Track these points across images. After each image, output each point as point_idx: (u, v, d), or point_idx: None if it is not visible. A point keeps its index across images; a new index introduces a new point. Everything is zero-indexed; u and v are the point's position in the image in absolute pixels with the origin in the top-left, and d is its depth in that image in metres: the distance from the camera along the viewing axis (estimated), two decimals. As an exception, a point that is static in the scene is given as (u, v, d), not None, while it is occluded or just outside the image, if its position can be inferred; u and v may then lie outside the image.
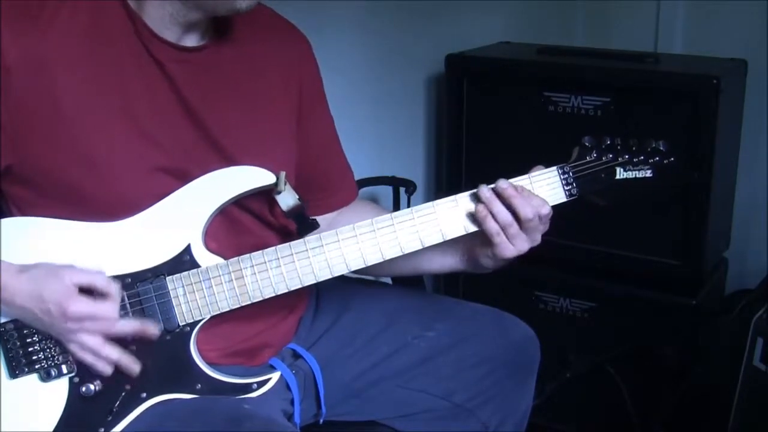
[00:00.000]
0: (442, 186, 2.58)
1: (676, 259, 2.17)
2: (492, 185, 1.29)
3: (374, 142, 2.44)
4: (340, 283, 1.33)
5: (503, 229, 1.27)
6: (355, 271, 1.36)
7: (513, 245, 1.28)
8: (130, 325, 1.23)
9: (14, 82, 1.17)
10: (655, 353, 2.17)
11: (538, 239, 1.30)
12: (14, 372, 1.22)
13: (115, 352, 1.22)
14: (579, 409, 2.28)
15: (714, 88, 2.03)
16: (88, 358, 1.22)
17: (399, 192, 2.40)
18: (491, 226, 1.27)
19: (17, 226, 1.24)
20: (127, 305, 1.24)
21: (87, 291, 1.19)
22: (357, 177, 1.58)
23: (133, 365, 1.23)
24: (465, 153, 2.38)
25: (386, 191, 2.43)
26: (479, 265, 1.37)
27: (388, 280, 2.29)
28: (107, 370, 1.23)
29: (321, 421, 1.44)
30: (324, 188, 1.47)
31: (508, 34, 2.60)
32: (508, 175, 1.31)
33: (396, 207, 2.40)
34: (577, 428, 2.29)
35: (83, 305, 1.18)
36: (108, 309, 1.19)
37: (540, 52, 2.36)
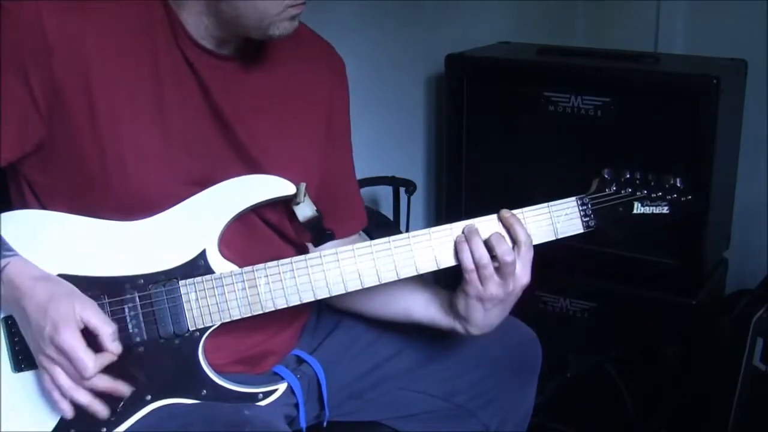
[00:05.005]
0: (442, 186, 2.57)
1: (676, 259, 2.17)
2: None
3: (374, 143, 2.43)
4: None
5: (477, 268, 1.24)
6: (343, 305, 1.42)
7: (484, 286, 1.25)
8: (102, 383, 1.15)
9: (54, 64, 1.17)
10: (655, 353, 2.18)
11: (512, 287, 1.26)
12: (19, 366, 1.21)
13: (85, 397, 1.14)
14: (579, 409, 2.28)
15: (714, 88, 2.03)
16: (54, 394, 1.15)
17: (399, 192, 2.40)
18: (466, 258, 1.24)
19: (35, 219, 1.23)
20: (138, 306, 1.22)
21: (91, 337, 1.13)
22: (357, 177, 1.57)
23: (102, 411, 1.16)
24: (465, 153, 2.38)
25: (386, 191, 2.43)
26: (456, 313, 1.32)
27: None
28: (68, 412, 1.15)
29: (324, 422, 1.44)
30: (331, 216, 1.38)
31: (508, 34, 2.60)
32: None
33: (396, 207, 2.40)
34: (577, 428, 2.29)
35: (73, 341, 1.10)
36: (89, 363, 1.10)
37: (540, 52, 2.36)
